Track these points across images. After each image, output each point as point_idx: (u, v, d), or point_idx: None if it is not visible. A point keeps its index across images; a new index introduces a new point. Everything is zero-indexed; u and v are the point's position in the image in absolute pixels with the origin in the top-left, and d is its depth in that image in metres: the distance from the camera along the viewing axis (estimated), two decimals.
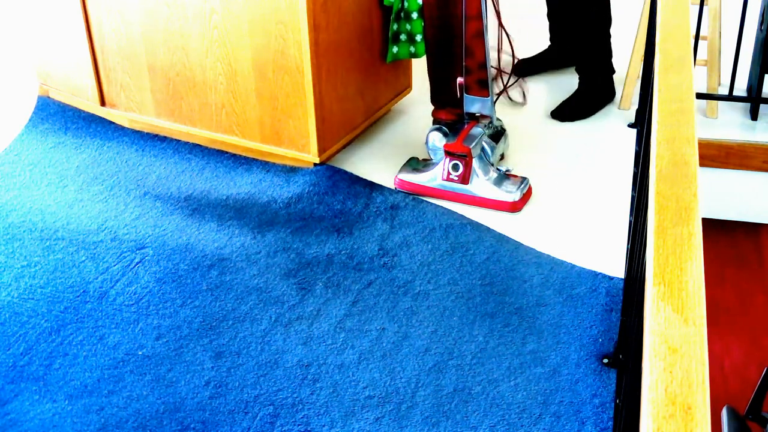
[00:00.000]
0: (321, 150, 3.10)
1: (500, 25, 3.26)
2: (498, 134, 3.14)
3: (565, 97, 3.56)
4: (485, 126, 3.06)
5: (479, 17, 2.85)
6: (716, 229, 3.66)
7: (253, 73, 3.05)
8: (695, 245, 1.10)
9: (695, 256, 1.08)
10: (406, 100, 3.59)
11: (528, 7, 4.11)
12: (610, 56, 3.54)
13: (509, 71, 3.66)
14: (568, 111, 3.50)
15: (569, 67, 3.74)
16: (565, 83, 3.70)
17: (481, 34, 2.87)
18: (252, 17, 2.95)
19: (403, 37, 3.22)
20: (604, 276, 2.63)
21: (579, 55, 3.57)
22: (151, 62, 3.26)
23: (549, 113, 3.52)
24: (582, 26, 3.48)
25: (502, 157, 3.21)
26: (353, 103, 3.22)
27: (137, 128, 3.47)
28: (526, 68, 3.80)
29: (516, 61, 3.65)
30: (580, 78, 3.55)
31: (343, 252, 2.77)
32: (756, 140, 3.48)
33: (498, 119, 3.16)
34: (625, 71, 3.60)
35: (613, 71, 3.59)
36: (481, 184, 2.97)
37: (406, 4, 3.13)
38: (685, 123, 1.38)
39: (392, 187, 3.09)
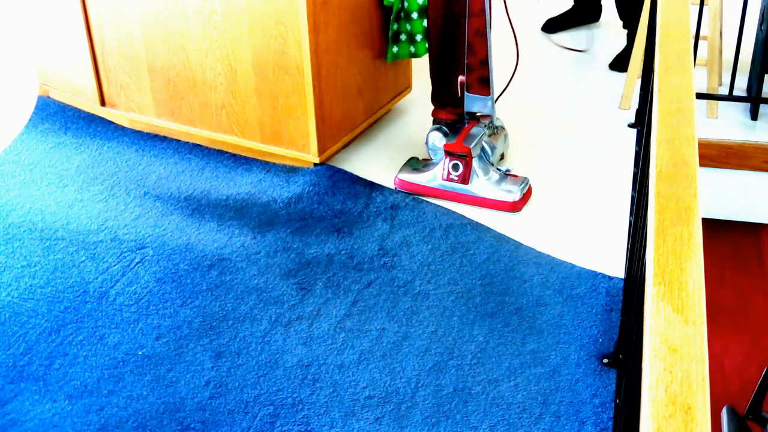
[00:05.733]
0: (321, 150, 3.10)
1: (508, 19, 3.22)
2: (498, 134, 3.14)
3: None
4: (485, 126, 3.06)
5: (482, 14, 2.84)
6: (716, 229, 3.66)
7: (253, 73, 3.05)
8: (695, 245, 1.10)
9: (695, 256, 1.08)
10: (406, 100, 3.59)
11: None
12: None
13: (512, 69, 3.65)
14: (623, 62, 3.83)
15: (589, 24, 4.36)
16: (564, 86, 3.69)
17: (483, 31, 2.87)
18: (252, 17, 2.95)
19: (403, 37, 3.22)
20: (604, 276, 2.63)
21: (626, 13, 3.95)
22: (151, 62, 3.26)
23: (608, 65, 3.95)
24: None
25: (502, 157, 3.21)
26: (353, 103, 3.22)
27: (137, 128, 3.47)
28: (552, 26, 4.34)
29: (517, 62, 3.65)
30: (628, 33, 3.89)
31: (343, 252, 2.77)
32: (756, 140, 3.48)
33: (498, 119, 3.16)
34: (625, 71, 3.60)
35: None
36: (481, 184, 2.97)
37: (406, 4, 3.13)
38: (685, 123, 1.38)
39: (392, 187, 3.09)
